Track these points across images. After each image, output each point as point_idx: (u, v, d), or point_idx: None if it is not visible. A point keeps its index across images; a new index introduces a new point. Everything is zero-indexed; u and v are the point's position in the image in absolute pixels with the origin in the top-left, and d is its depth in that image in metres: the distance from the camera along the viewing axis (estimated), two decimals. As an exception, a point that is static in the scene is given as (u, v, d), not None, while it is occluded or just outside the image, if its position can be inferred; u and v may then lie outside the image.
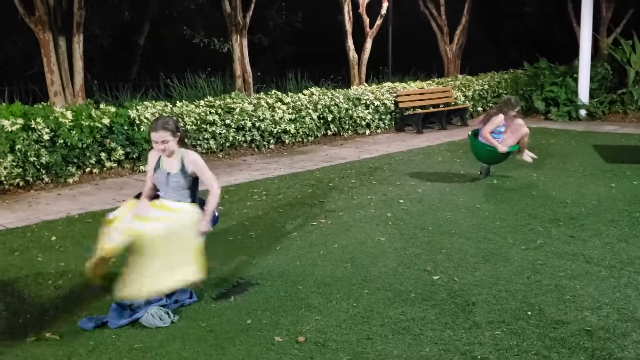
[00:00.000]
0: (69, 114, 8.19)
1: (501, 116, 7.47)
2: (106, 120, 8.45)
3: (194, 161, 4.19)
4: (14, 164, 7.60)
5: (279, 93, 11.28)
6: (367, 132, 12.38)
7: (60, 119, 8.05)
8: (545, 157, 9.26)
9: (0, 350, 3.58)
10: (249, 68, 12.63)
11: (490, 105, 15.09)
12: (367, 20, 14.46)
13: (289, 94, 11.40)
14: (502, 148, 7.44)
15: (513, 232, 5.57)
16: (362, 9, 14.40)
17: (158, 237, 3.87)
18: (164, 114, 9.21)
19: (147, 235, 3.86)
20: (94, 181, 8.35)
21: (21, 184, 7.75)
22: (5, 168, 7.53)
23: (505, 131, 7.54)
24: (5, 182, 7.61)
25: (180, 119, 9.35)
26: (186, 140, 4.33)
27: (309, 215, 6.33)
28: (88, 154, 8.35)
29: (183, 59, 16.85)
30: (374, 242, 5.39)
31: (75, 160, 8.26)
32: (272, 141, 10.70)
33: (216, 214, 4.64)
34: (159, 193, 4.33)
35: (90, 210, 6.82)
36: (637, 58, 13.90)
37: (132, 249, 3.88)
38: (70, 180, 8.18)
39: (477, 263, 4.79)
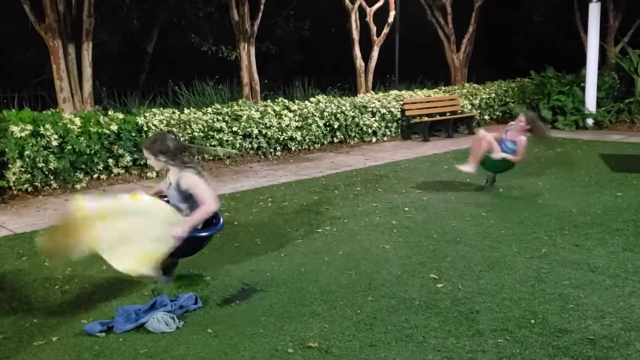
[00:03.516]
0: (77, 121, 8.27)
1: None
2: (114, 127, 8.53)
3: (187, 181, 4.35)
4: (23, 169, 7.68)
5: (286, 100, 11.34)
6: (374, 139, 12.41)
7: (68, 126, 8.12)
8: (551, 166, 9.27)
9: (7, 354, 3.62)
10: (256, 76, 12.71)
11: (498, 114, 15.12)
12: (374, 28, 14.52)
13: (296, 101, 11.46)
14: (521, 158, 7.42)
15: (518, 240, 5.57)
16: (370, 18, 14.47)
17: (120, 209, 4.06)
18: (172, 122, 9.29)
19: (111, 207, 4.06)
20: (101, 187, 8.41)
21: (29, 189, 7.82)
22: (14, 174, 7.60)
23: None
24: (14, 187, 7.69)
25: (187, 126, 9.42)
26: (185, 157, 4.45)
27: (314, 222, 6.36)
28: (96, 160, 8.41)
29: (191, 67, 16.95)
30: (379, 249, 5.41)
31: (83, 167, 8.32)
32: (278, 148, 10.75)
33: (221, 221, 4.69)
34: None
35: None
36: (644, 67, 13.89)
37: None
38: (78, 186, 8.25)
39: (482, 271, 4.80)
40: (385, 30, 14.57)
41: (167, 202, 4.47)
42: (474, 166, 7.45)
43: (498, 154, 7.36)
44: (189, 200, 4.37)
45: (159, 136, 4.58)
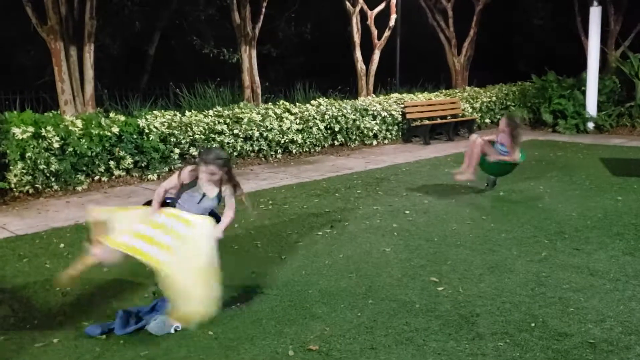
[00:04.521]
0: (79, 123, 8.28)
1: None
2: (115, 129, 8.54)
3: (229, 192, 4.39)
4: (24, 171, 7.69)
5: (287, 103, 11.35)
6: (374, 142, 12.42)
7: (70, 128, 8.14)
8: (552, 169, 9.27)
9: (7, 355, 3.63)
10: (257, 78, 12.72)
11: (498, 117, 15.12)
12: (375, 31, 14.54)
13: (297, 104, 11.48)
14: (516, 156, 7.42)
15: (518, 244, 5.58)
16: (371, 21, 14.49)
17: (172, 272, 3.80)
18: (173, 124, 9.30)
19: (161, 265, 3.83)
20: (102, 189, 8.42)
21: (31, 191, 7.83)
22: (15, 175, 7.62)
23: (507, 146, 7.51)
24: (15, 189, 7.70)
25: (188, 129, 9.44)
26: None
27: (315, 224, 6.37)
28: (97, 162, 8.43)
29: (193, 69, 16.97)
30: (379, 252, 5.42)
31: (84, 169, 8.34)
32: (279, 151, 10.76)
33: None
34: (170, 202, 4.42)
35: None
36: (645, 71, 13.90)
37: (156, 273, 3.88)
38: (79, 188, 8.26)
39: (482, 275, 4.80)
40: (387, 33, 14.58)
41: (170, 204, 4.44)
42: (472, 172, 7.48)
43: (493, 157, 7.39)
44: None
45: (219, 149, 4.60)
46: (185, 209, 4.29)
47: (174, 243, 3.96)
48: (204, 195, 4.32)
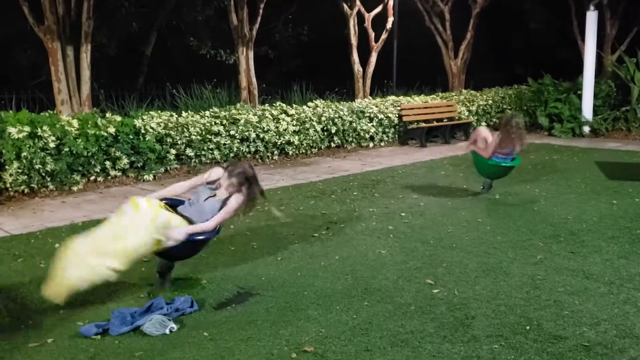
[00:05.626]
0: (75, 123, 8.27)
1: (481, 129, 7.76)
2: (112, 129, 8.53)
3: (235, 199, 4.55)
4: (20, 171, 7.67)
5: (284, 105, 11.36)
6: (371, 145, 12.43)
7: (66, 127, 8.12)
8: (547, 173, 9.30)
9: (1, 355, 3.62)
10: (254, 80, 12.72)
11: (495, 120, 15.16)
12: (372, 34, 14.56)
13: (294, 106, 11.49)
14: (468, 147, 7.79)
15: (514, 247, 5.59)
16: (368, 23, 14.52)
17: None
18: (170, 125, 9.29)
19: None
20: (98, 189, 8.41)
21: (26, 191, 7.81)
22: (10, 175, 7.60)
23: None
24: (10, 188, 7.68)
25: (185, 129, 9.43)
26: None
27: (311, 226, 6.37)
28: (93, 163, 8.41)
29: (189, 70, 16.97)
30: (375, 254, 5.42)
31: (80, 169, 8.32)
32: (275, 152, 10.76)
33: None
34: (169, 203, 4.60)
35: (93, 218, 6.86)
36: (641, 76, 13.96)
37: None
38: (75, 188, 8.24)
39: (477, 277, 4.81)
40: (384, 36, 14.61)
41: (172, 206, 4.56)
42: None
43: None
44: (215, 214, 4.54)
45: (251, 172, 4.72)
46: (192, 202, 4.57)
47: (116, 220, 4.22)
48: (214, 195, 4.56)
